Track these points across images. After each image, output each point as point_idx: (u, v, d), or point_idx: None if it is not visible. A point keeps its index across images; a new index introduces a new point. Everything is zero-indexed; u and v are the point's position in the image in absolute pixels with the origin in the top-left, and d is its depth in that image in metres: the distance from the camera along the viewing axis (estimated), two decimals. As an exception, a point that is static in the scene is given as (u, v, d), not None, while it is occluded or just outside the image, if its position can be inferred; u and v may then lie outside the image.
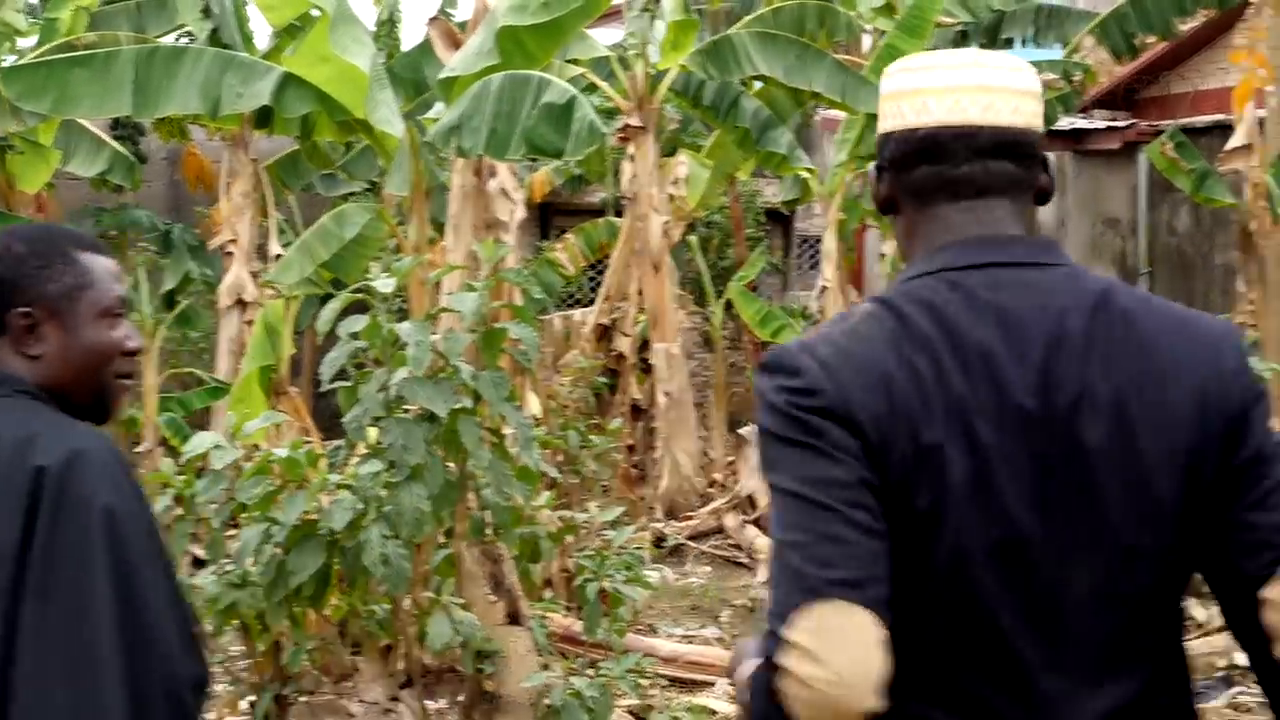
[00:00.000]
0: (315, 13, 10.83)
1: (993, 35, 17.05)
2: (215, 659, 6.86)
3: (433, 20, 12.08)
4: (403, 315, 8.88)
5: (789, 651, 2.07)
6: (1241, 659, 7.97)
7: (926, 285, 2.29)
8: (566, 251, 16.32)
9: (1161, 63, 19.37)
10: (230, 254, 13.66)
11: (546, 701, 6.30)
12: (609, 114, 13.41)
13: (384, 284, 6.12)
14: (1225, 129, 15.67)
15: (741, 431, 13.82)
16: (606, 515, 7.89)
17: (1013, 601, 2.20)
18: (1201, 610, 9.01)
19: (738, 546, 12.86)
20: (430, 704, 6.76)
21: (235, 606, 6.15)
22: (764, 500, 9.72)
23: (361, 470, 5.98)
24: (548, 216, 20.07)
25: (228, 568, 6.22)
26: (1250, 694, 7.67)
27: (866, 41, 16.84)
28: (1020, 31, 16.99)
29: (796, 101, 14.34)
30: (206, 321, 15.58)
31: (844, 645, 2.06)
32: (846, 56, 14.63)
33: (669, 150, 15.93)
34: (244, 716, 6.94)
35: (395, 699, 6.58)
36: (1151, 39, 15.89)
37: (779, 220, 21.36)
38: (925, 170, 2.35)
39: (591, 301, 16.11)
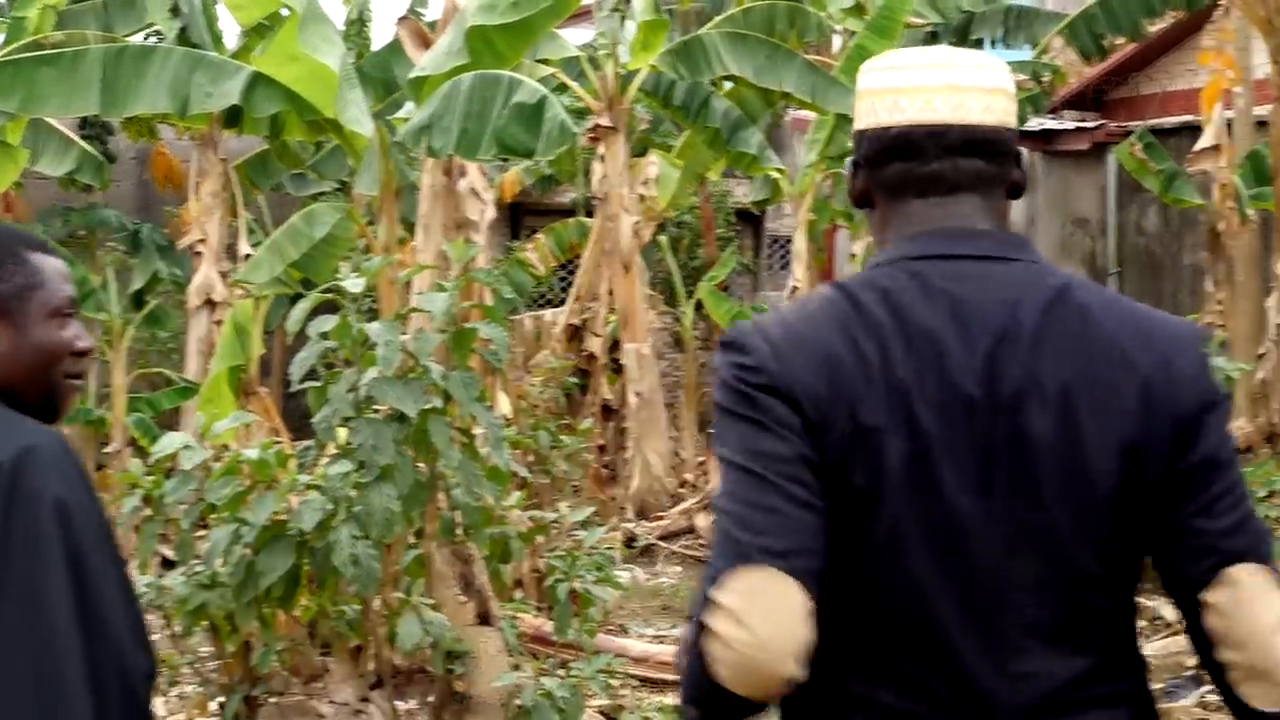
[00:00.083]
0: (285, 12, 10.81)
1: (962, 36, 17.09)
2: (185, 660, 6.84)
3: (402, 20, 12.07)
4: (373, 315, 8.86)
5: (715, 612, 2.13)
6: (1210, 658, 7.99)
7: (886, 273, 2.32)
8: (537, 251, 16.32)
9: (1130, 64, 19.44)
10: (199, 254, 13.62)
11: (517, 702, 6.29)
12: (579, 114, 13.40)
13: (354, 284, 6.10)
14: (1193, 130, 15.75)
15: (712, 432, 13.81)
16: (577, 515, 7.89)
17: (951, 586, 2.23)
18: (1171, 610, 9.04)
19: (709, 546, 12.85)
20: (400, 705, 6.75)
21: (204, 607, 6.13)
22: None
23: (331, 471, 5.96)
24: (518, 216, 20.06)
25: (197, 568, 6.20)
26: (1218, 693, 7.68)
27: (837, 42, 16.88)
28: (990, 32, 17.04)
29: (767, 102, 14.35)
30: (175, 321, 15.53)
31: (767, 610, 2.11)
32: (817, 57, 14.65)
33: (639, 150, 15.93)
34: (214, 717, 6.92)
35: (365, 700, 6.56)
36: (1120, 40, 15.96)
37: (749, 220, 21.38)
38: (898, 167, 2.37)
39: (562, 302, 16.12)
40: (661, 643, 9.55)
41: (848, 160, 2.50)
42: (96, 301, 14.26)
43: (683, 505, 13.76)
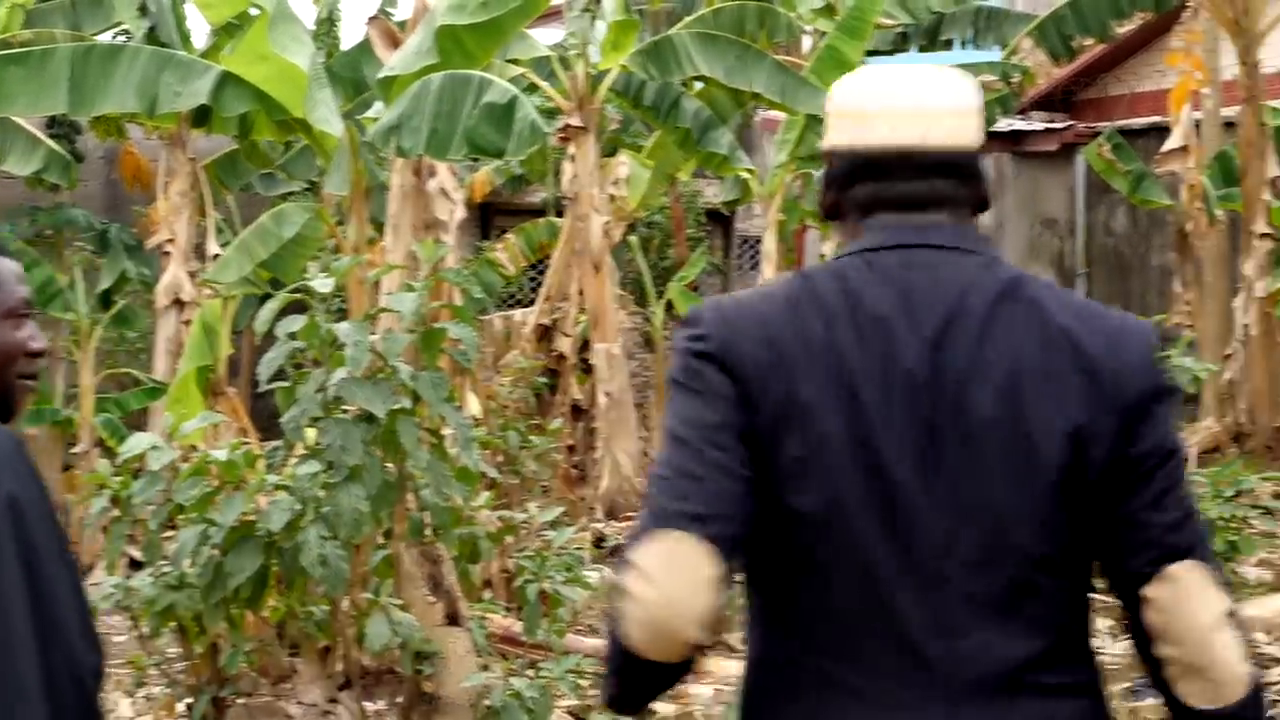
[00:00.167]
0: (254, 11, 10.79)
1: (932, 37, 17.13)
2: (152, 661, 6.81)
3: (372, 19, 12.05)
4: (341, 315, 8.84)
5: (629, 572, 2.20)
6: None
7: (845, 261, 2.39)
8: (507, 251, 16.30)
9: (1099, 65, 19.51)
10: (168, 253, 13.56)
11: (486, 702, 6.28)
12: (549, 114, 13.39)
13: (322, 284, 6.09)
14: (1162, 131, 15.81)
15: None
16: (546, 516, 7.88)
17: (896, 558, 2.27)
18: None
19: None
20: (369, 705, 6.73)
21: (172, 608, 6.11)
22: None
23: (299, 471, 5.95)
24: (488, 216, 20.03)
25: (165, 569, 6.18)
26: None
27: (807, 42, 16.90)
28: (959, 33, 17.08)
29: (737, 102, 14.35)
30: (144, 321, 15.46)
31: (676, 571, 2.17)
32: (787, 57, 14.65)
33: (610, 150, 15.92)
34: (181, 719, 6.89)
35: (334, 700, 6.55)
36: (1089, 41, 16.02)
37: (719, 220, 21.39)
38: (867, 187, 2.41)
39: (532, 302, 16.10)
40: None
41: (818, 174, 2.54)
42: (64, 301, 14.19)
43: (652, 506, 13.73)
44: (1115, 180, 16.74)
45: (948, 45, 17.22)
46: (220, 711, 6.42)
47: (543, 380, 14.00)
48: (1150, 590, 2.31)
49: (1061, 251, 20.40)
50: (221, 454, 6.17)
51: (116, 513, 6.37)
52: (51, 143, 14.18)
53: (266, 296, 7.65)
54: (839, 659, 2.29)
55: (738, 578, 2.33)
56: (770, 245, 15.71)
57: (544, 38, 14.09)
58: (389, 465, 6.05)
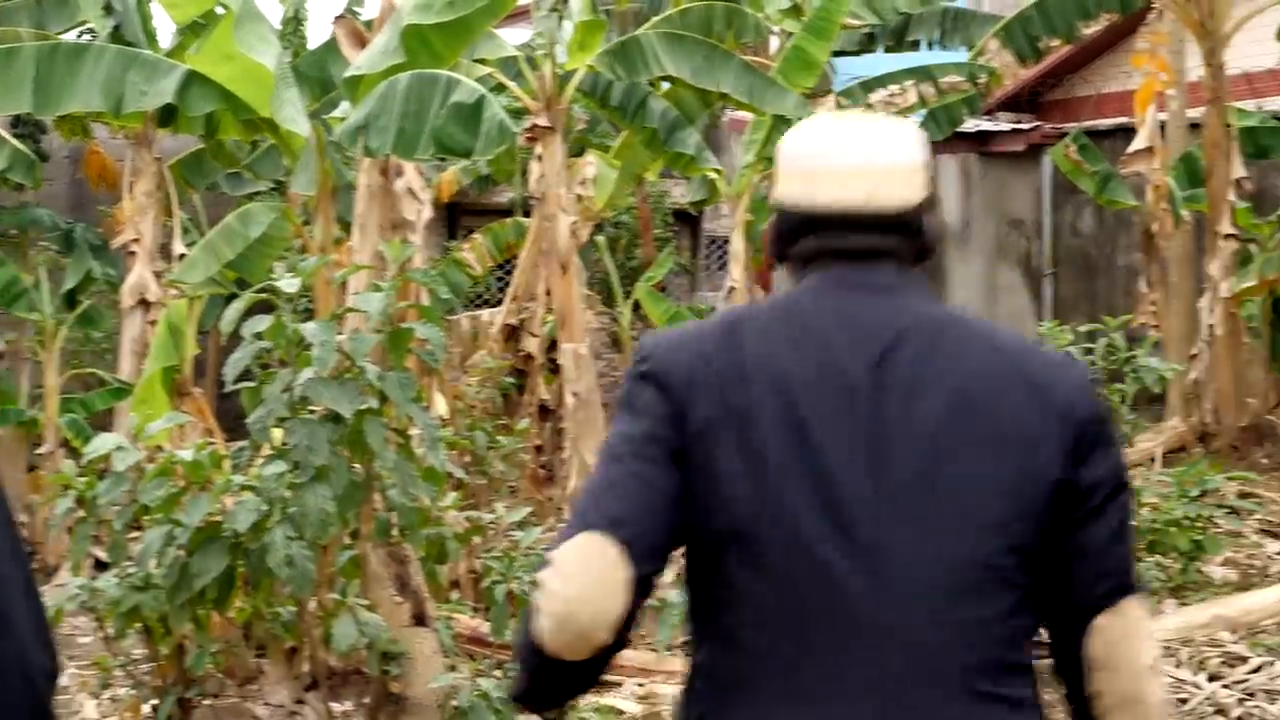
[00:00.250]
0: (220, 10, 10.74)
1: (899, 38, 17.15)
2: (117, 662, 6.79)
3: (339, 19, 12.01)
4: (308, 316, 8.82)
5: (547, 569, 2.31)
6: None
7: (790, 294, 2.51)
8: (474, 251, 16.27)
9: (1065, 66, 19.58)
10: (133, 253, 13.48)
11: (453, 703, 6.28)
12: (516, 114, 13.37)
13: (289, 284, 6.08)
14: (1128, 132, 15.86)
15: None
16: (514, 516, 7.87)
17: (846, 559, 2.31)
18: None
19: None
20: (336, 706, 6.72)
21: (138, 609, 6.09)
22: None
23: (266, 471, 5.94)
24: (455, 216, 20.00)
25: (130, 570, 6.16)
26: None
27: (774, 43, 16.90)
28: (926, 34, 17.10)
29: (704, 102, 14.35)
30: (109, 322, 15.39)
31: (590, 571, 2.27)
32: (754, 58, 14.65)
33: (577, 150, 15.91)
34: (147, 720, 6.87)
35: (300, 701, 6.54)
36: (1055, 42, 16.05)
37: (687, 221, 21.39)
38: (814, 240, 2.49)
39: (499, 302, 16.08)
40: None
41: (769, 219, 2.59)
42: (29, 301, 14.11)
43: (619, 505, 13.72)
44: (1082, 181, 16.79)
45: (915, 46, 17.24)
46: (186, 713, 6.40)
47: (510, 380, 13.99)
48: (1103, 620, 2.38)
49: (1028, 252, 20.45)
50: (187, 454, 6.16)
51: (81, 513, 6.36)
52: (16, 142, 14.09)
53: (232, 296, 7.63)
54: (782, 660, 2.32)
55: (658, 586, 2.40)
56: (738, 245, 15.71)
57: (511, 38, 14.07)
58: (356, 465, 6.05)
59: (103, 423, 13.29)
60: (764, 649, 2.33)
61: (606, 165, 15.14)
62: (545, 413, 14.22)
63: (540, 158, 13.24)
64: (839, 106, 15.78)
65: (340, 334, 5.97)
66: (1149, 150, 14.96)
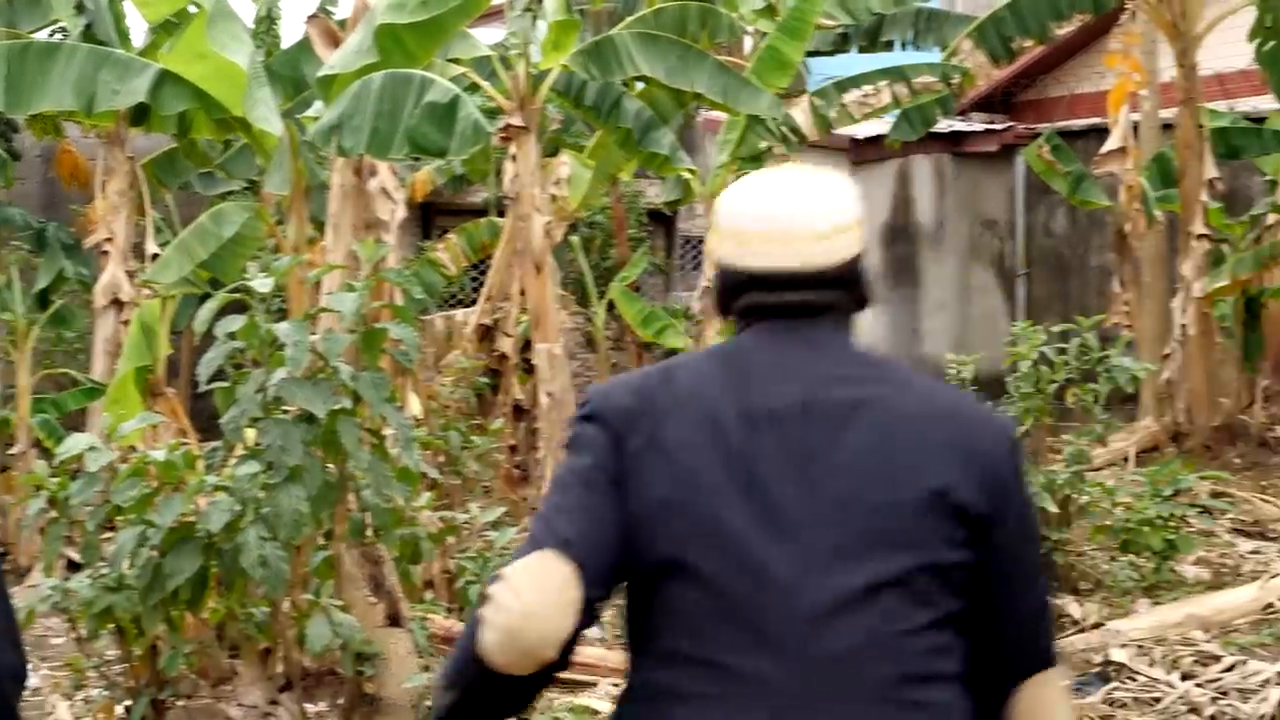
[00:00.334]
0: (193, 9, 10.72)
1: (873, 38, 17.18)
2: (90, 664, 6.76)
3: (312, 18, 11.99)
4: (282, 316, 8.79)
5: (498, 583, 2.36)
6: (1117, 655, 8.07)
7: (730, 342, 2.61)
8: (448, 251, 16.25)
9: (1038, 67, 19.63)
10: (106, 253, 13.44)
11: (427, 703, 6.27)
12: (490, 114, 13.35)
13: (262, 284, 6.07)
14: (1100, 132, 15.90)
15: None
16: (488, 516, 7.86)
17: (784, 567, 2.39)
18: (1077, 607, 9.13)
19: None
20: (310, 707, 6.71)
21: (111, 610, 6.07)
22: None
23: (239, 472, 5.92)
24: (429, 216, 19.99)
25: (103, 571, 6.14)
26: (1125, 690, 7.77)
27: (748, 43, 16.90)
28: (900, 34, 17.14)
29: (678, 102, 14.35)
30: (81, 321, 15.34)
31: (543, 588, 2.33)
32: (728, 58, 14.66)
33: (551, 150, 15.89)
34: (120, 722, 6.85)
35: (274, 702, 6.52)
36: (1028, 43, 16.08)
37: (661, 221, 21.40)
38: (752, 297, 2.58)
39: (473, 302, 16.05)
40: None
41: (712, 273, 2.66)
42: (1, 301, 14.08)
43: (594, 506, 13.70)
44: (1055, 181, 16.84)
45: (888, 46, 17.27)
46: (160, 714, 6.38)
47: (484, 380, 13.96)
48: (1030, 687, 2.54)
49: (1001, 252, 20.50)
50: (160, 455, 6.14)
51: (54, 514, 6.33)
52: (-12, 141, 14.07)
53: (206, 296, 7.61)
54: (718, 670, 2.39)
55: (600, 615, 2.47)
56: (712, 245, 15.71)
57: (485, 37, 14.06)
58: (330, 466, 6.03)
59: (75, 423, 13.25)
60: (701, 661, 2.40)
61: (581, 165, 15.13)
62: (519, 413, 14.19)
63: (514, 157, 13.22)
64: (813, 107, 15.82)
65: (314, 334, 5.96)
66: (1122, 151, 15.01)
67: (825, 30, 16.44)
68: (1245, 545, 11.10)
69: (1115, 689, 7.79)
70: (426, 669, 6.72)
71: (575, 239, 17.60)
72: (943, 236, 20.09)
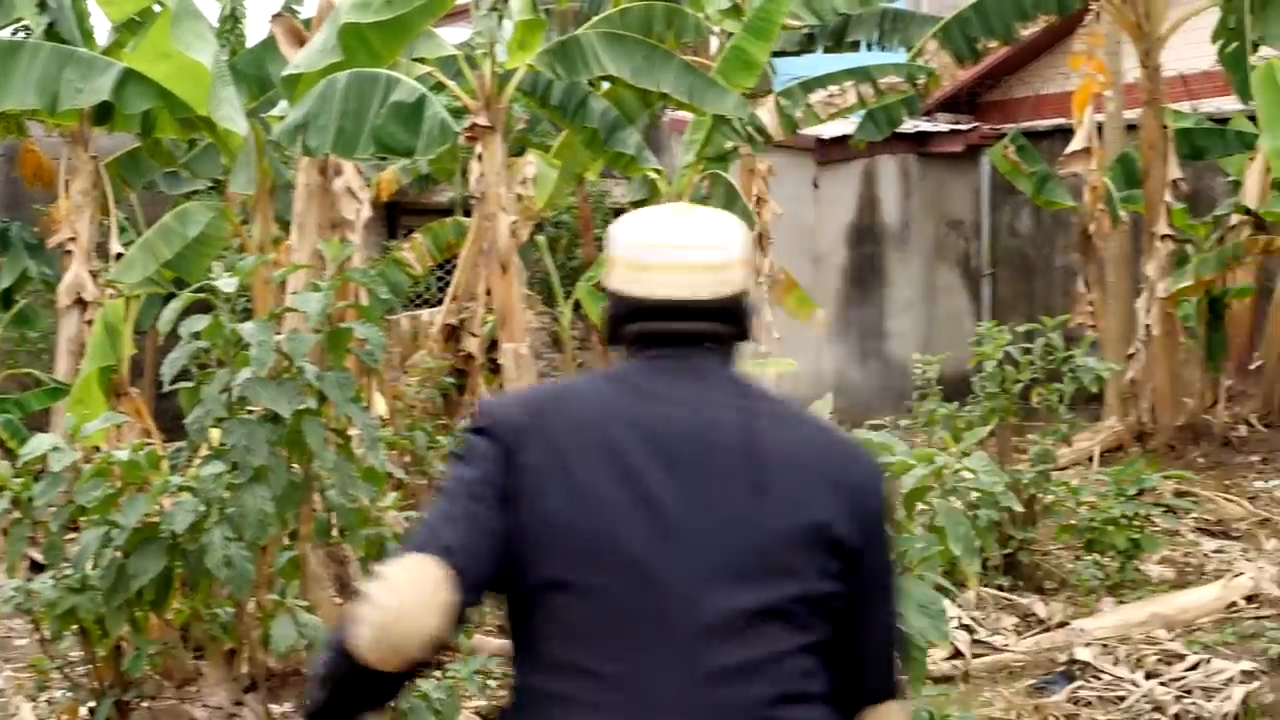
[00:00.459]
0: (157, 8, 10.68)
1: (838, 38, 17.20)
2: (54, 665, 6.74)
3: (276, 17, 11.96)
4: (246, 315, 8.76)
5: (374, 580, 2.45)
6: (1082, 654, 8.10)
7: (620, 367, 2.71)
8: (414, 251, 16.22)
9: (1003, 67, 19.70)
10: (70, 252, 13.38)
11: (392, 704, 6.25)
12: (456, 113, 13.33)
13: (227, 283, 6.05)
14: (1065, 133, 15.96)
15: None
16: (454, 516, 7.83)
17: (678, 580, 2.49)
18: (1042, 606, 9.17)
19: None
20: (275, 708, 6.69)
21: (74, 611, 6.05)
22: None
23: (204, 472, 5.91)
24: (395, 216, 19.94)
25: (66, 572, 6.12)
26: (1090, 688, 7.80)
27: (714, 43, 16.92)
28: (865, 35, 17.17)
29: (644, 102, 14.35)
30: (45, 321, 15.27)
31: (416, 588, 2.40)
32: (694, 58, 14.67)
33: (517, 150, 15.86)
34: (83, 723, 6.82)
35: (239, 703, 6.51)
36: (993, 44, 16.11)
37: (627, 220, 21.38)
38: (639, 326, 2.68)
39: (439, 301, 16.02)
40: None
41: (604, 302, 2.78)
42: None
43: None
44: (1020, 181, 16.89)
45: (854, 47, 17.30)
46: (124, 715, 6.36)
47: (450, 380, 13.94)
48: (870, 718, 2.66)
49: (967, 252, 20.56)
50: (124, 455, 6.12)
51: (17, 514, 6.31)
52: (-50, 141, 14.00)
53: (170, 296, 7.58)
54: (601, 678, 2.47)
55: (470, 620, 2.59)
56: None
57: (451, 36, 14.03)
58: (295, 466, 6.02)
59: (39, 423, 13.17)
60: (589, 671, 2.47)
61: (547, 165, 15.11)
62: (485, 413, 14.16)
63: (480, 157, 13.21)
64: (779, 107, 15.83)
65: (278, 334, 5.95)
66: (1086, 151, 15.06)
67: (791, 30, 16.45)
68: (1209, 544, 11.16)
69: (1080, 688, 7.82)
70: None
71: (541, 239, 17.58)
72: (908, 237, 20.14)
